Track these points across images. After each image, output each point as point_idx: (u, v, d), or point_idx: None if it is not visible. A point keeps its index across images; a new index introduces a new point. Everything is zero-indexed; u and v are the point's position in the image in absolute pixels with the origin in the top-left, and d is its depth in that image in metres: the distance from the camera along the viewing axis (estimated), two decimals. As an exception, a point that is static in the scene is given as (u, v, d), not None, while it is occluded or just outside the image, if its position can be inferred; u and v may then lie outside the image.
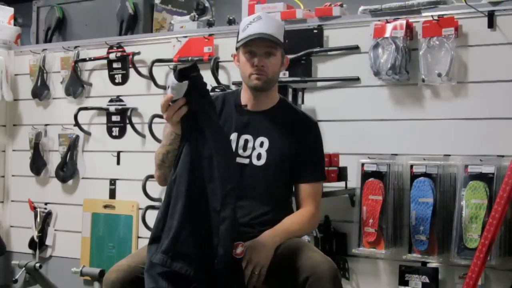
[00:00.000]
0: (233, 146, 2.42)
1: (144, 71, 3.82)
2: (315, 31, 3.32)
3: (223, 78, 3.58)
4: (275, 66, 2.42)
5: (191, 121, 2.14)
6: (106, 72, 4.03)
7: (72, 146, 4.09)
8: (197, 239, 2.07)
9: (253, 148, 2.44)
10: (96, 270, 3.43)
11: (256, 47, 2.38)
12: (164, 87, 3.78)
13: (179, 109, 2.11)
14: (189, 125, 2.14)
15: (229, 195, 2.09)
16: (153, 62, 3.74)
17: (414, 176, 2.96)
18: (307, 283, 2.12)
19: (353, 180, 3.12)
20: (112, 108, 3.97)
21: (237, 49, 2.46)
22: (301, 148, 2.46)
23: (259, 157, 2.43)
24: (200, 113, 2.14)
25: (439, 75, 2.94)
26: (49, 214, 4.19)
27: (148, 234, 3.70)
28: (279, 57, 2.43)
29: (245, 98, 2.49)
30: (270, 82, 2.43)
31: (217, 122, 2.24)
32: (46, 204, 4.22)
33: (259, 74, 2.38)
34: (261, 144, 2.44)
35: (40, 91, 4.24)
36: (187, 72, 2.09)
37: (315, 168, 2.49)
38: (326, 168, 2.99)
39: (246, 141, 2.45)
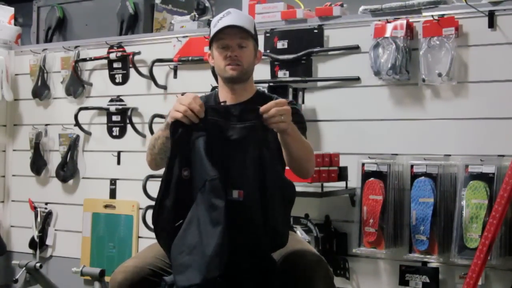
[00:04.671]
0: None
1: (145, 71, 3.82)
2: (315, 31, 3.32)
3: (223, 78, 3.58)
4: (248, 57, 2.44)
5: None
6: (106, 72, 4.03)
7: (73, 146, 4.09)
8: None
9: None
10: (97, 270, 3.43)
11: (228, 39, 2.40)
12: (164, 87, 3.80)
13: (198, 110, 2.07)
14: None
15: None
16: (154, 62, 3.75)
17: (414, 176, 2.96)
18: (298, 282, 2.12)
19: (354, 180, 3.13)
20: (112, 108, 3.97)
21: (210, 46, 2.49)
22: None
23: None
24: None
25: (440, 75, 2.94)
26: (49, 214, 4.19)
27: (148, 234, 3.76)
28: (251, 49, 2.45)
29: (223, 94, 2.51)
30: (246, 72, 2.45)
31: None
32: (46, 204, 4.23)
33: (234, 65, 2.41)
34: None
35: (41, 91, 4.24)
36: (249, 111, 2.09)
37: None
38: (326, 168, 3.01)
39: None
